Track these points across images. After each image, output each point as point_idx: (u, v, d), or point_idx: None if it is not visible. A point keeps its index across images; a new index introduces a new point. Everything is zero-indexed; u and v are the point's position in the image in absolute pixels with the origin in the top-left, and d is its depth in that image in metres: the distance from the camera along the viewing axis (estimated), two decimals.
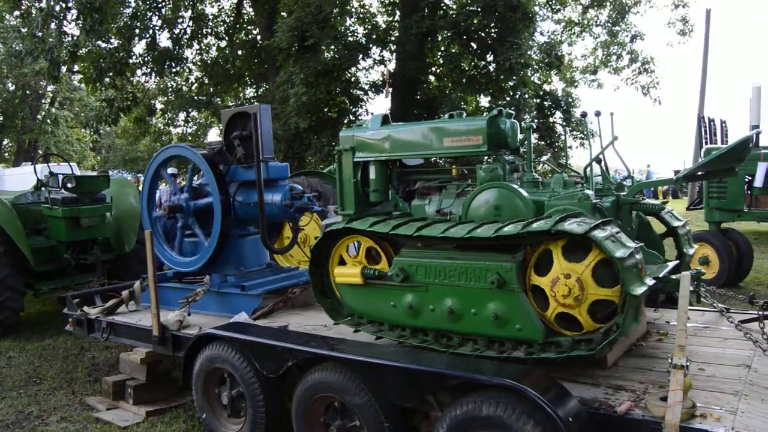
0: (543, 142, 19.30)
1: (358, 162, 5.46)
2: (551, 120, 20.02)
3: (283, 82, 17.80)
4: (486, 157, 5.52)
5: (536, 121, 19.20)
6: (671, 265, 4.86)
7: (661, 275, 4.43)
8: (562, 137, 19.33)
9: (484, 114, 4.99)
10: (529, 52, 18.01)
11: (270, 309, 6.55)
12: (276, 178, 7.04)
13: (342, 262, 5.26)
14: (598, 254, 3.98)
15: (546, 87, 21.43)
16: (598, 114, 5.24)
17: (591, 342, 4.13)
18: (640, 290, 3.86)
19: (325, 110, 18.20)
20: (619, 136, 5.00)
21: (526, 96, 18.00)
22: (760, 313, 4.96)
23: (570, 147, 19.82)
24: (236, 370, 5.30)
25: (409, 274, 4.72)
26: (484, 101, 20.48)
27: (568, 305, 4.07)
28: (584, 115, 5.45)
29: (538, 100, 19.58)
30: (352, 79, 19.58)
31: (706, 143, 12.47)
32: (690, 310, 5.51)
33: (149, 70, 21.45)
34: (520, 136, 5.20)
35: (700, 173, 4.92)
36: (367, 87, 19.97)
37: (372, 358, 4.49)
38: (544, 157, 17.72)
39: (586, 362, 4.38)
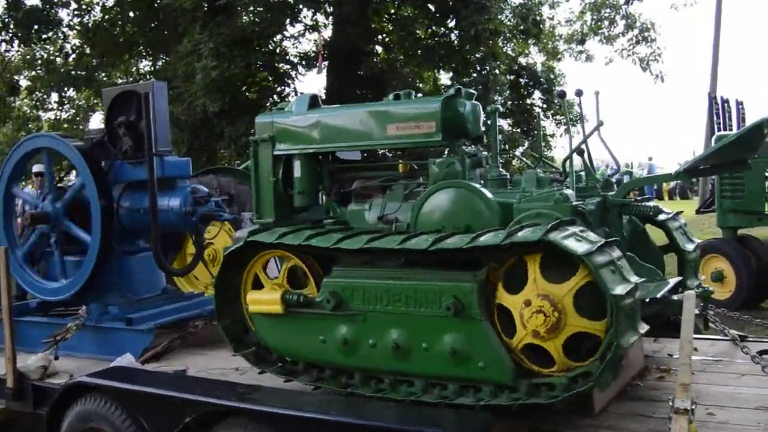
0: (518, 130, 19.58)
1: (278, 156, 5.40)
2: (529, 102, 20.36)
3: (188, 53, 17.61)
4: (441, 149, 5.51)
5: (509, 103, 19.47)
6: (673, 282, 4.93)
7: (659, 295, 4.48)
8: (543, 123, 19.66)
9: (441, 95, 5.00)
10: (500, 17, 18.28)
11: (164, 348, 6.44)
12: (174, 176, 6.94)
13: (258, 286, 5.20)
14: (586, 275, 4.01)
15: (522, 60, 21.81)
16: (579, 94, 5.29)
17: (553, 389, 4.15)
18: (629, 340, 3.91)
19: (243, 90, 18.08)
20: (604, 121, 5.06)
21: (497, 71, 18.24)
22: None
23: (551, 135, 20.20)
24: (117, 431, 5.16)
25: (342, 299, 4.68)
26: (445, 78, 20.69)
27: (541, 336, 4.08)
28: (562, 95, 5.52)
29: (511, 77, 19.89)
30: (277, 50, 19.51)
31: (719, 129, 12.76)
32: (696, 339, 5.57)
33: (10, 35, 20.94)
34: (484, 122, 5.21)
35: (704, 167, 5.02)
36: (296, 60, 19.93)
37: (298, 410, 4.41)
38: (520, 150, 18.00)
39: (569, 408, 4.40)
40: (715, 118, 12.93)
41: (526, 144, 18.85)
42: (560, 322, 4.02)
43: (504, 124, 20.44)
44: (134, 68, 24.98)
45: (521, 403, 4.21)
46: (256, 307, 5.05)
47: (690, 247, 5.54)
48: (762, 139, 4.81)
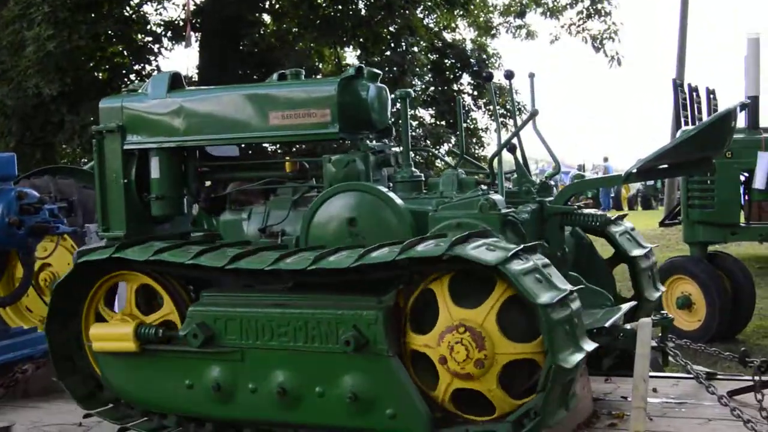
0: (442, 123, 19.78)
1: (130, 150, 5.37)
2: (456, 87, 20.58)
3: (15, 17, 17.17)
4: (339, 144, 5.55)
5: (431, 89, 19.66)
6: (625, 308, 5.07)
7: (608, 324, 4.61)
8: (473, 113, 19.91)
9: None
10: None
11: None
12: None
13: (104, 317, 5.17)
14: (505, 290, 4.10)
15: (447, 36, 22.06)
16: (509, 76, 5.42)
17: None
18: (572, 360, 3.99)
19: (89, 67, 17.74)
20: (539, 110, 5.19)
21: (416, 49, 18.42)
22: (757, 379, 5.25)
23: (483, 130, 20.46)
24: None
25: (213, 333, 4.67)
26: (351, 57, 20.76)
27: (467, 375, 4.14)
28: (488, 77, 5.67)
29: (434, 57, 20.11)
30: (134, 17, 19.24)
31: (686, 123, 13.11)
32: (654, 377, 5.77)
33: None
34: (394, 111, 5.28)
35: (662, 166, 5.18)
36: (159, 30, 19.69)
37: None
38: (445, 147, 18.18)
39: None
40: (681, 109, 13.27)
41: (453, 140, 18.97)
42: (488, 352, 4.08)
43: (425, 115, 20.63)
44: None
45: None
46: (102, 344, 5.00)
47: (639, 252, 5.73)
48: (729, 134, 5.00)
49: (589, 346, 4.20)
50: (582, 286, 4.66)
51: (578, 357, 4.03)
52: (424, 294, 4.32)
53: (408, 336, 4.34)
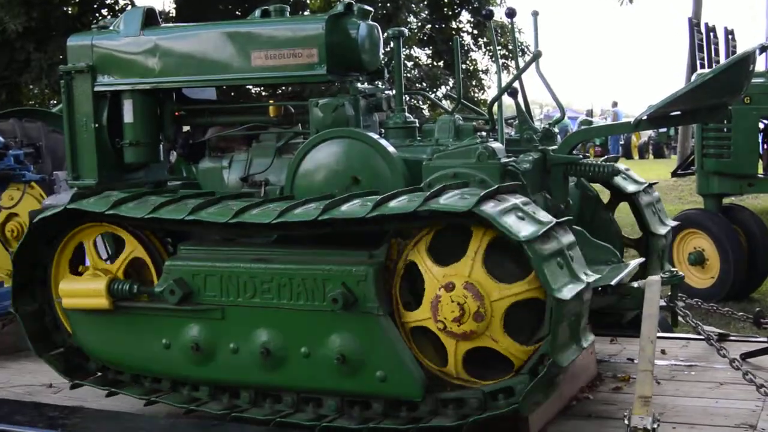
0: (439, 63, 19.65)
1: (101, 93, 5.33)
2: (454, 25, 20.42)
3: None
4: (327, 86, 5.50)
5: (428, 27, 19.51)
6: (633, 264, 5.03)
7: (614, 282, 4.57)
8: (473, 53, 19.77)
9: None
10: None
11: None
12: None
13: (76, 272, 5.16)
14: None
15: None
16: (510, 14, 5.34)
17: (462, 406, 4.22)
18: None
19: (57, 1, 17.61)
20: (543, 52, 5.12)
21: None
22: None
23: (483, 71, 20.35)
24: None
25: (192, 290, 4.66)
26: None
27: (471, 333, 4.13)
28: (488, 15, 5.58)
29: None
30: None
31: (702, 66, 13.03)
32: (662, 338, 5.76)
33: None
34: (386, 51, 5.23)
35: (673, 113, 5.12)
36: None
37: None
38: (442, 90, 18.10)
39: (499, 428, 4.47)
40: (697, 51, 13.18)
41: (451, 82, 18.85)
42: (484, 302, 4.08)
43: (422, 55, 20.49)
44: None
45: (421, 426, 4.26)
46: (73, 300, 5.00)
47: (662, 231, 5.68)
48: (748, 78, 4.93)
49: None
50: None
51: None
52: (407, 270, 4.31)
53: (403, 316, 4.34)
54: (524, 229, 3.93)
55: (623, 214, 5.96)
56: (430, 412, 4.31)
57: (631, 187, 5.68)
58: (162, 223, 4.69)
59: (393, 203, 4.11)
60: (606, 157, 5.71)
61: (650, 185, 5.85)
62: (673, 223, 5.98)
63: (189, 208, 4.50)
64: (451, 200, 4.05)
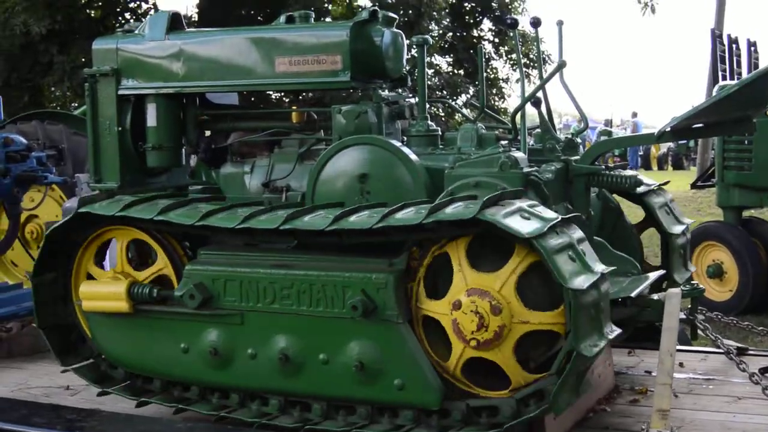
0: (460, 72, 19.64)
1: (125, 96, 5.35)
2: (476, 34, 20.41)
3: None
4: (350, 93, 5.52)
5: (449, 35, 19.50)
6: (653, 276, 5.06)
7: (634, 294, 4.59)
8: (494, 62, 19.76)
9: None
10: None
11: None
12: None
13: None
14: (527, 255, 4.09)
15: None
16: (536, 24, 5.36)
17: (496, 414, 4.24)
18: (595, 347, 4.00)
19: (82, 4, 17.66)
20: (567, 62, 5.13)
21: None
22: None
23: (504, 80, 20.34)
24: None
25: (211, 294, 4.68)
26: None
27: (482, 345, 4.15)
28: (513, 24, 5.57)
29: (453, 0, 19.93)
30: None
31: (724, 77, 13.02)
32: (681, 351, 5.77)
33: None
34: (409, 58, 5.24)
35: (697, 125, 5.14)
36: None
37: None
38: (462, 99, 18.08)
39: None
40: (719, 63, 13.17)
41: (472, 91, 18.86)
42: (506, 321, 4.09)
43: (442, 63, 20.49)
44: None
45: None
46: (93, 303, 5.01)
47: (678, 229, 5.68)
48: None
49: (613, 332, 4.20)
50: (613, 267, 4.58)
51: (600, 345, 4.04)
52: (437, 256, 4.31)
53: (420, 300, 4.34)
54: (528, 227, 3.97)
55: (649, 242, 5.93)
56: (462, 419, 4.33)
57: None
58: (171, 226, 4.73)
59: (399, 215, 4.15)
60: (614, 165, 5.71)
61: (660, 186, 5.86)
62: (689, 221, 5.98)
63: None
64: (457, 210, 4.09)
